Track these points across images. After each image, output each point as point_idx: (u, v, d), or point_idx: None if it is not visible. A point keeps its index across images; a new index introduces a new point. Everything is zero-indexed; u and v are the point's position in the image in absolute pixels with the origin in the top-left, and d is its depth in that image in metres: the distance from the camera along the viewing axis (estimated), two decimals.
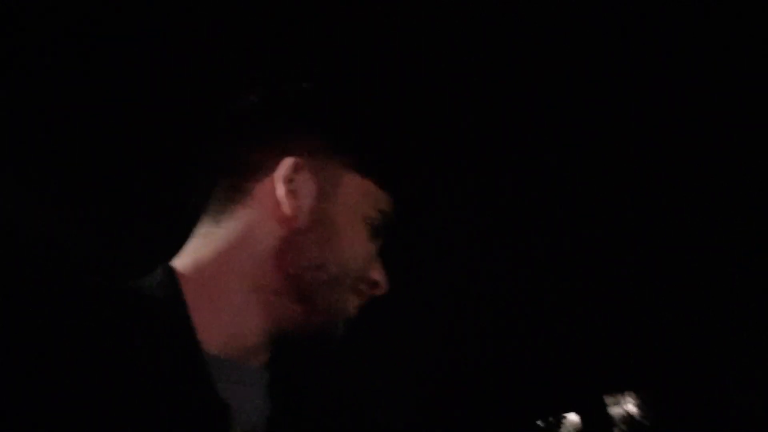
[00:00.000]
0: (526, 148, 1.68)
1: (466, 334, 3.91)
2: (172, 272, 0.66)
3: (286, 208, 0.64)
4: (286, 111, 0.70)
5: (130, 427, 0.52)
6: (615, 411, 5.19)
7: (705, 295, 3.48)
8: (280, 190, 0.65)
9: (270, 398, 0.67)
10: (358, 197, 0.69)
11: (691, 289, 3.44)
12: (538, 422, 5.52)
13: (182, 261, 0.67)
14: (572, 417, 5.44)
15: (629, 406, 5.18)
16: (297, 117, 0.69)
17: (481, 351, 4.38)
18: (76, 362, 0.53)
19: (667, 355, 4.19)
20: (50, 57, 1.00)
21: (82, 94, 1.10)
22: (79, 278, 0.65)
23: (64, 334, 0.55)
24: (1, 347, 0.51)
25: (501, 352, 4.47)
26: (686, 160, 1.72)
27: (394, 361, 3.50)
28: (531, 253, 3.02)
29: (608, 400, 5.22)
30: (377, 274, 0.72)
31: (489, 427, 4.97)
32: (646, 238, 2.90)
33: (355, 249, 0.68)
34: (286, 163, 0.66)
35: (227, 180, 0.67)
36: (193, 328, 0.62)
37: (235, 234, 0.65)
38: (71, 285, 0.62)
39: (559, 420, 5.50)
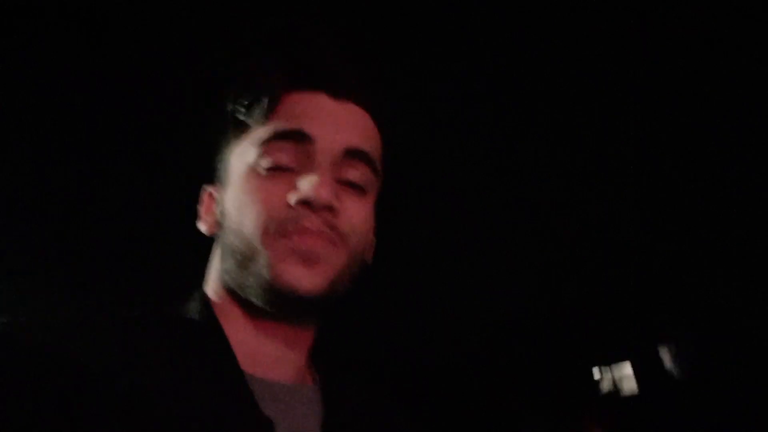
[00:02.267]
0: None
1: (519, 283, 3.89)
2: (205, 297, 0.73)
3: (204, 228, 0.76)
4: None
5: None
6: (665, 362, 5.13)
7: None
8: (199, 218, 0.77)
9: (310, 416, 0.68)
10: (235, 167, 0.72)
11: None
12: (594, 371, 5.51)
13: (208, 286, 0.75)
14: (624, 367, 5.41)
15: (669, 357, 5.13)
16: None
17: (535, 302, 4.36)
18: (124, 387, 0.58)
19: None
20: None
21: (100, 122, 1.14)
22: (123, 309, 0.72)
23: (115, 362, 0.59)
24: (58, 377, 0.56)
25: (555, 302, 4.45)
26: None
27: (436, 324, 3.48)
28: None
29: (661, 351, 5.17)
30: (299, 194, 0.66)
31: (544, 376, 4.97)
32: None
33: (241, 209, 0.68)
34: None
35: None
36: (232, 350, 0.67)
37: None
38: (117, 315, 0.68)
39: (612, 369, 5.48)
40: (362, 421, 0.72)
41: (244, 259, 0.67)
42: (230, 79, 0.77)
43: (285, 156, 0.69)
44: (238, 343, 0.69)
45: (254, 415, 0.62)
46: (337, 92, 0.72)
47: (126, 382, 0.58)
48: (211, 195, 0.77)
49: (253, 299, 0.68)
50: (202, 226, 0.77)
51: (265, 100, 0.71)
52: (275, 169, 0.69)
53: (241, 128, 0.73)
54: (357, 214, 0.71)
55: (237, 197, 0.70)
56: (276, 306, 0.68)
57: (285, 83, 0.72)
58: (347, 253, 0.70)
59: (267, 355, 0.70)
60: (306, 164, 0.69)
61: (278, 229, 0.66)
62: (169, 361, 0.63)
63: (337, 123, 0.71)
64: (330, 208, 0.67)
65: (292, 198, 0.66)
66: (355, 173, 0.71)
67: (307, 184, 0.66)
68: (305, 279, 0.66)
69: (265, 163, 0.69)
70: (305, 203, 0.66)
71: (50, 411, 0.54)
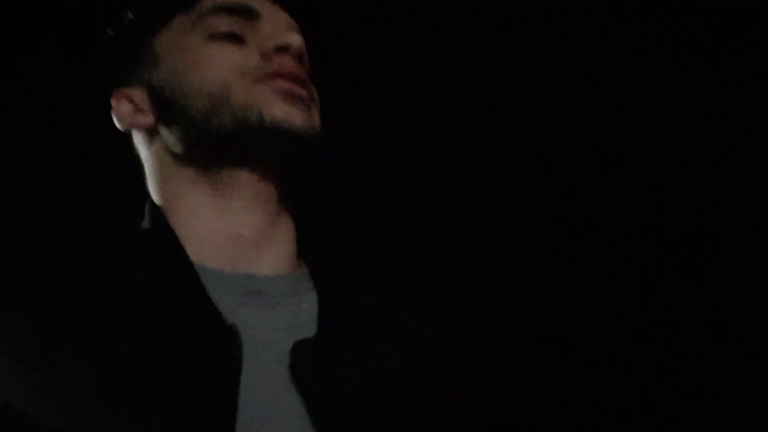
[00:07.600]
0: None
1: None
2: (153, 205, 0.67)
3: (125, 123, 0.70)
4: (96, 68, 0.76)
5: (125, 353, 0.50)
6: None
7: None
8: (114, 117, 0.71)
9: (300, 313, 0.59)
10: (180, 40, 0.68)
11: None
12: None
13: (154, 192, 0.69)
14: None
15: None
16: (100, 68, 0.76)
17: None
18: (75, 296, 0.53)
19: None
20: None
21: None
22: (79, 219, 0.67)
23: (66, 267, 0.55)
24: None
25: None
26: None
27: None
28: None
29: None
30: (276, 40, 0.65)
31: None
32: None
33: (209, 67, 0.64)
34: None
35: None
36: (179, 243, 0.60)
37: (142, 156, 0.71)
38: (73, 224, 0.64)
39: None
40: (369, 312, 0.62)
41: (215, 107, 0.62)
42: None
43: (235, 27, 0.67)
44: (204, 234, 0.63)
45: (213, 323, 0.53)
46: None
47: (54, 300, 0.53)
48: (126, 95, 0.70)
49: (226, 148, 0.63)
50: (130, 122, 0.70)
51: None
52: (228, 36, 0.66)
53: (161, 20, 0.70)
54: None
55: (186, 65, 0.66)
56: (262, 150, 0.63)
57: None
58: (318, 113, 0.67)
59: (241, 242, 0.63)
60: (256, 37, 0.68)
61: (254, 75, 0.63)
62: (107, 272, 0.56)
63: (276, 8, 0.72)
64: (303, 56, 0.66)
65: (269, 44, 0.65)
66: None
67: (282, 31, 0.66)
68: (296, 115, 0.62)
69: (215, 31, 0.66)
70: (282, 49, 0.65)
71: None
